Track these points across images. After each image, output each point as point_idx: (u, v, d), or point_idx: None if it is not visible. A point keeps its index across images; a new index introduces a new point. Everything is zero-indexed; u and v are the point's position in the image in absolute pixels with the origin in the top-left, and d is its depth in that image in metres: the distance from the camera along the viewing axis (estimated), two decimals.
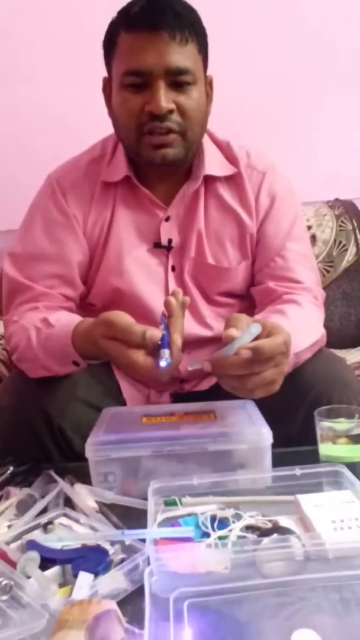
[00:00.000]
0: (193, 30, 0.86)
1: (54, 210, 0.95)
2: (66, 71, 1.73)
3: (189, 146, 0.90)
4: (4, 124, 1.81)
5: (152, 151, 0.88)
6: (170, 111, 0.85)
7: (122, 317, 0.72)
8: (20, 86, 1.79)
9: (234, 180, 0.97)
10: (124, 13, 0.87)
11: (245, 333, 0.67)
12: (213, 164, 0.96)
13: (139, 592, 0.50)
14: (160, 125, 0.85)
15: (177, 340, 0.71)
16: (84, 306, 0.99)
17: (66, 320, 0.85)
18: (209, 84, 0.93)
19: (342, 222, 1.66)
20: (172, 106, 0.85)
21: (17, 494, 0.69)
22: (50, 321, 0.86)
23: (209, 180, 0.96)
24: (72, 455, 0.84)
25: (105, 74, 0.93)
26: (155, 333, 0.69)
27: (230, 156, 0.98)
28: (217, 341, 0.99)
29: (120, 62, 0.87)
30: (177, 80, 0.85)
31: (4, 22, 1.76)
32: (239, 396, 0.73)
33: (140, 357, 0.69)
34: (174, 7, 0.84)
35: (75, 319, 0.85)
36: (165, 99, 0.84)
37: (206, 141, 0.96)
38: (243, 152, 0.99)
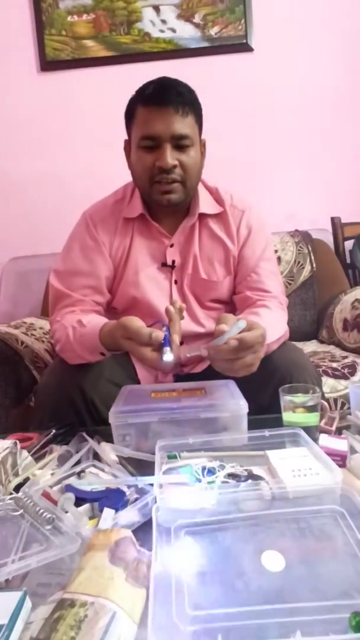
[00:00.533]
0: (192, 106, 0.87)
1: (87, 238, 0.95)
2: (97, 138, 1.76)
3: (187, 192, 0.90)
4: (50, 178, 1.83)
5: (161, 196, 0.88)
6: (174, 166, 0.86)
7: (134, 322, 0.72)
8: (64, 152, 1.83)
9: (221, 217, 0.97)
10: (140, 92, 0.88)
11: (234, 327, 0.67)
12: (205, 204, 0.96)
13: (148, 523, 0.49)
14: (167, 177, 0.86)
15: (176, 339, 0.72)
16: (109, 310, 0.99)
17: (95, 322, 0.85)
18: (203, 145, 0.93)
19: (300, 247, 1.66)
20: (176, 162, 0.86)
21: (57, 450, 0.69)
22: (83, 322, 0.85)
23: (202, 216, 0.96)
24: (100, 420, 0.84)
25: (126, 137, 0.94)
26: (159, 334, 0.69)
27: (218, 198, 0.98)
28: (208, 336, 0.99)
29: (137, 129, 0.87)
30: (180, 144, 0.86)
31: (54, 111, 1.81)
32: (227, 375, 0.73)
33: (148, 352, 0.70)
34: (177, 89, 0.85)
35: (102, 321, 0.84)
36: (170, 157, 0.85)
37: (200, 187, 0.96)
38: (228, 195, 0.99)
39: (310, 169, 1.86)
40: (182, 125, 0.85)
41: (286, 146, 1.84)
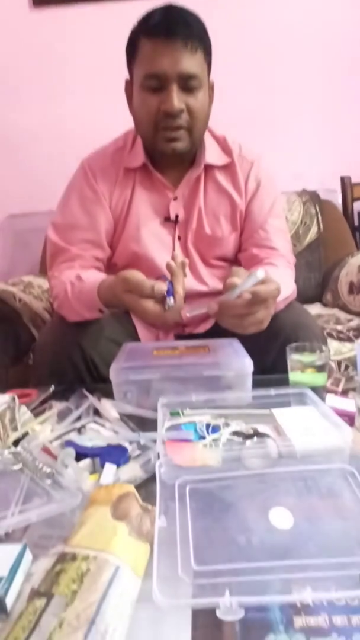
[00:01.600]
0: (202, 40, 0.78)
1: (86, 189, 0.89)
2: (96, 82, 1.63)
3: (194, 140, 0.83)
4: (47, 127, 1.72)
5: (166, 144, 0.81)
6: (181, 110, 0.78)
7: (136, 275, 0.67)
8: (61, 98, 1.70)
9: (228, 168, 0.90)
10: (144, 22, 0.78)
11: (250, 278, 0.61)
12: (212, 154, 0.89)
13: (151, 480, 0.48)
14: (173, 122, 0.79)
15: (180, 290, 0.67)
16: (109, 266, 0.95)
17: (94, 277, 0.81)
18: (211, 87, 0.85)
19: (307, 207, 1.59)
20: (183, 106, 0.78)
21: (57, 406, 0.67)
22: (82, 277, 0.81)
23: (208, 167, 0.89)
24: (100, 379, 0.82)
25: (127, 77, 0.85)
26: (161, 286, 0.65)
27: (225, 148, 0.91)
28: (212, 295, 0.95)
29: (140, 66, 0.79)
30: (187, 85, 0.78)
31: (54, 51, 1.65)
32: (236, 332, 0.69)
33: (150, 305, 0.66)
34: (186, 19, 0.76)
35: (101, 277, 0.80)
36: (177, 100, 0.77)
37: (207, 135, 0.89)
38: (236, 145, 0.92)
39: (321, 124, 1.74)
40: (191, 63, 0.76)
41: (295, 99, 1.71)
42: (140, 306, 0.67)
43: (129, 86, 0.85)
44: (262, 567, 0.37)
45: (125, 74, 0.85)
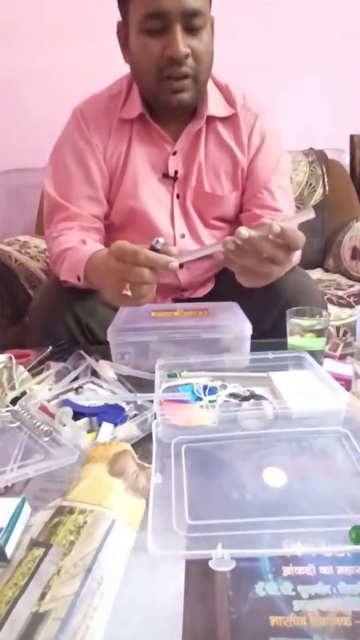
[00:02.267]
0: None
1: (79, 139, 0.85)
2: (85, 25, 1.51)
3: (199, 89, 0.78)
4: (41, 76, 1.62)
5: (171, 95, 0.76)
6: (187, 55, 0.72)
7: (130, 244, 0.59)
8: (55, 44, 1.58)
9: (231, 120, 0.85)
10: None
11: (302, 214, 0.56)
12: (215, 105, 0.84)
13: (147, 438, 0.49)
14: (179, 70, 0.73)
15: (173, 249, 0.59)
16: (106, 225, 0.92)
17: (92, 245, 0.77)
18: (212, 24, 0.78)
19: (313, 167, 1.53)
20: (189, 50, 0.72)
21: (55, 366, 0.67)
22: (86, 242, 0.78)
23: (210, 119, 0.84)
24: (97, 343, 0.81)
25: (118, 20, 0.77)
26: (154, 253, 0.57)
27: (229, 98, 0.86)
28: (210, 259, 0.93)
29: (138, 5, 0.71)
30: (191, 24, 0.71)
31: None
32: (236, 291, 0.65)
33: (145, 271, 0.57)
34: None
35: (97, 248, 0.74)
36: (182, 43, 0.70)
37: (210, 84, 0.83)
38: (240, 94, 0.86)
39: (332, 77, 1.64)
40: None
41: (305, 47, 1.60)
42: (133, 269, 0.57)
43: (122, 29, 0.77)
44: (254, 522, 0.38)
45: (118, 14, 0.77)
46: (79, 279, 0.74)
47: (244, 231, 0.55)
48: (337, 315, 1.09)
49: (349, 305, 1.10)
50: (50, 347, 0.73)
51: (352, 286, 1.20)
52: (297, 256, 0.84)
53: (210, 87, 0.84)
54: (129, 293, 0.57)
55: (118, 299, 0.61)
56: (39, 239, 1.45)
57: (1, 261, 1.17)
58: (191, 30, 0.71)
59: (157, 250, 0.57)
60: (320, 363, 0.64)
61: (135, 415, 0.53)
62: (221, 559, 0.34)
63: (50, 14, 1.57)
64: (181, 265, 0.93)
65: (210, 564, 0.34)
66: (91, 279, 0.71)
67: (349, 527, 0.36)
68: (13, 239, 1.40)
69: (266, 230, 0.54)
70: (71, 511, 0.38)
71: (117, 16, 0.78)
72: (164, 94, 0.76)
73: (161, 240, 0.58)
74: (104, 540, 0.35)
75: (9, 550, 0.36)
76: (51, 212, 0.87)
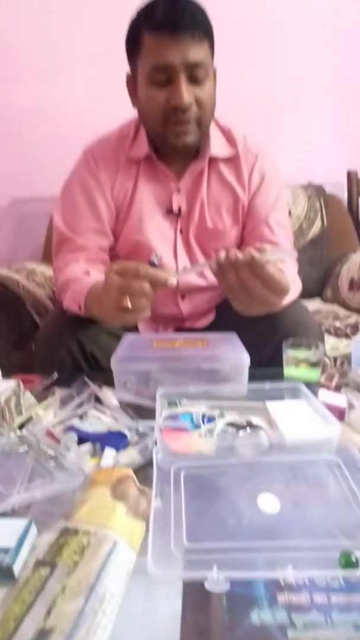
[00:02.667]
0: (207, 30, 0.78)
1: (88, 177, 0.91)
2: (100, 65, 1.62)
3: (203, 132, 0.85)
4: (50, 111, 1.72)
5: (176, 138, 0.82)
6: (191, 104, 0.79)
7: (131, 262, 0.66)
8: (64, 80, 1.69)
9: (233, 161, 0.92)
10: (145, 14, 0.77)
11: (283, 251, 0.64)
12: (217, 146, 0.90)
13: (148, 465, 0.51)
14: (183, 116, 0.79)
15: (167, 267, 0.67)
16: (112, 256, 0.97)
17: (94, 276, 0.82)
18: (214, 74, 0.85)
19: (312, 201, 1.60)
20: (192, 99, 0.79)
21: (60, 392, 0.70)
22: (90, 273, 0.83)
23: (213, 159, 0.91)
24: (100, 370, 0.84)
25: (127, 70, 0.85)
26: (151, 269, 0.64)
27: (230, 140, 0.92)
28: (211, 290, 0.98)
29: (146, 60, 0.78)
30: (195, 75, 0.78)
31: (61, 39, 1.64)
32: (235, 322, 0.71)
33: (145, 284, 0.63)
34: (191, 11, 0.76)
35: (99, 279, 0.78)
36: (187, 93, 0.77)
37: (212, 126, 0.90)
38: (241, 136, 0.93)
39: (329, 115, 1.73)
40: (198, 52, 0.76)
41: (305, 87, 1.70)
42: (133, 283, 0.63)
43: (131, 80, 0.85)
44: (249, 546, 0.40)
45: (126, 58, 0.84)
46: (80, 307, 0.78)
47: (232, 253, 0.62)
48: (334, 345, 1.12)
49: (346, 336, 1.14)
50: (56, 374, 0.76)
51: (349, 317, 1.24)
52: (297, 294, 0.88)
53: (213, 129, 0.91)
54: (129, 305, 0.62)
55: (116, 315, 0.66)
56: (46, 266, 1.50)
57: (9, 288, 1.22)
58: (194, 80, 0.78)
59: (155, 266, 0.62)
60: (316, 393, 0.67)
61: (136, 442, 0.56)
62: (216, 581, 0.36)
63: (64, 55, 1.68)
64: (183, 296, 0.98)
65: (206, 584, 0.36)
66: (90, 307, 0.76)
67: (338, 552, 0.39)
68: (20, 265, 1.45)
69: (241, 255, 0.61)
70: (76, 532, 0.40)
71: (120, 59, 0.85)
72: (169, 137, 0.83)
73: (158, 255, 0.62)
74: (107, 560, 0.38)
75: (16, 569, 0.39)
76: (59, 243, 0.92)
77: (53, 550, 0.39)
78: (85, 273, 0.84)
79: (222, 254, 0.63)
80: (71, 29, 1.65)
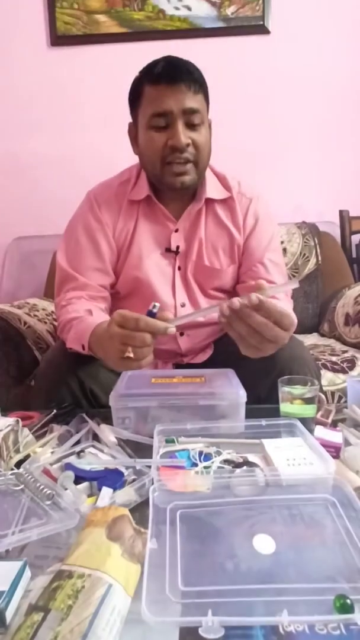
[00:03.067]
0: (202, 84, 0.86)
1: (91, 219, 0.95)
2: (105, 118, 1.74)
3: (200, 173, 0.90)
4: (57, 157, 1.82)
5: (174, 178, 0.87)
6: (187, 144, 0.85)
7: (130, 312, 0.66)
8: (71, 131, 1.81)
9: (228, 203, 0.97)
10: (147, 71, 0.86)
11: (286, 284, 0.65)
12: (213, 189, 0.95)
13: (144, 503, 0.51)
14: (180, 156, 0.85)
15: (168, 314, 0.65)
16: (113, 294, 1.00)
17: (98, 316, 0.84)
18: (210, 125, 0.92)
19: (306, 239, 1.66)
20: (189, 141, 0.85)
21: (58, 429, 0.70)
22: (92, 312, 0.86)
23: (209, 202, 0.95)
24: (99, 407, 0.85)
25: (129, 121, 0.92)
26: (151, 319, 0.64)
27: (225, 185, 0.97)
28: (209, 327, 1.00)
29: (146, 108, 0.85)
30: (191, 121, 0.85)
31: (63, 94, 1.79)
32: (234, 361, 0.71)
33: (146, 336, 0.63)
34: (187, 67, 0.85)
35: (102, 319, 0.80)
36: (183, 134, 0.84)
37: (208, 172, 0.95)
38: (235, 182, 0.98)
39: (321, 159, 1.84)
40: (194, 101, 0.84)
41: (297, 134, 1.82)
42: (134, 334, 0.63)
43: (132, 129, 0.92)
44: (244, 589, 0.40)
45: (125, 112, 0.92)
46: (83, 347, 0.80)
47: (235, 301, 0.62)
48: (331, 380, 1.13)
49: (343, 371, 1.15)
50: (55, 411, 0.76)
51: (345, 352, 1.25)
52: (293, 329, 0.90)
53: (209, 174, 0.96)
54: (132, 355, 0.63)
55: (120, 363, 0.66)
56: (47, 302, 1.54)
57: (11, 324, 1.24)
58: (191, 126, 0.85)
59: (154, 314, 0.64)
60: (312, 429, 0.67)
61: (133, 480, 0.56)
62: (210, 627, 0.36)
63: (71, 106, 1.80)
64: (182, 333, 1.00)
65: (200, 631, 0.36)
66: (94, 348, 0.77)
67: (334, 596, 0.38)
68: (23, 301, 1.48)
69: (246, 300, 0.61)
70: (70, 575, 0.40)
71: (124, 112, 0.93)
72: (167, 177, 0.87)
73: (157, 305, 0.65)
74: (100, 605, 0.37)
75: (8, 614, 0.38)
76: (62, 281, 0.95)
77: (47, 594, 0.39)
78: (87, 312, 0.86)
79: (225, 307, 0.62)
80: (83, 87, 1.80)
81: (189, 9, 1.74)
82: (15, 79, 1.80)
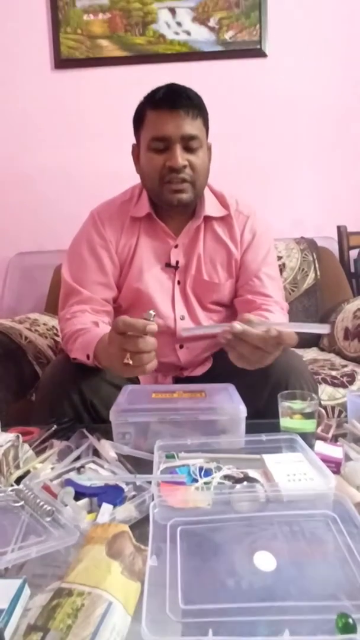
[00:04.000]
0: (200, 110, 0.89)
1: (95, 235, 0.97)
2: (107, 137, 1.78)
3: (197, 192, 0.92)
4: (59, 175, 1.86)
5: (171, 195, 0.90)
6: (184, 166, 0.88)
7: (128, 318, 0.68)
8: (74, 149, 1.85)
9: (226, 220, 0.99)
10: (149, 97, 0.90)
11: (315, 326, 0.72)
12: (211, 207, 0.98)
13: (145, 520, 0.51)
14: (177, 176, 0.88)
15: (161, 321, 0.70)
16: (115, 308, 1.01)
17: (104, 328, 0.85)
18: (209, 148, 0.95)
19: (305, 254, 1.67)
20: (186, 162, 0.88)
21: (58, 445, 0.70)
22: (98, 324, 0.88)
23: (207, 219, 0.98)
24: (100, 420, 0.85)
25: (133, 142, 0.96)
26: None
27: (223, 203, 1.00)
28: (208, 340, 1.01)
29: (147, 131, 0.89)
30: (189, 145, 0.88)
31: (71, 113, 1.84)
32: (227, 377, 0.74)
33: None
34: (187, 93, 0.88)
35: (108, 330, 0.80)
36: (180, 157, 0.87)
37: (206, 190, 0.98)
38: (233, 200, 1.01)
39: (318, 177, 1.88)
40: (192, 126, 0.87)
41: (295, 153, 1.86)
42: (133, 339, 0.65)
43: (135, 150, 0.96)
44: (246, 608, 0.40)
45: (131, 131, 0.95)
46: (88, 357, 0.81)
47: (238, 327, 0.66)
48: (331, 395, 1.13)
49: (343, 385, 1.15)
50: (55, 426, 0.76)
51: (345, 366, 1.25)
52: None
53: (207, 193, 0.99)
54: (130, 362, 0.65)
55: (123, 369, 0.68)
56: (48, 317, 1.54)
57: (12, 338, 1.24)
58: (188, 149, 0.88)
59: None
60: (312, 444, 0.67)
61: (134, 496, 0.56)
62: None
63: (74, 125, 1.85)
64: (181, 346, 1.01)
65: None
66: (100, 357, 0.79)
67: (336, 614, 0.38)
68: (24, 316, 1.49)
69: (264, 331, 0.66)
70: (70, 593, 0.40)
71: (125, 131, 0.96)
72: (165, 194, 0.90)
73: (152, 312, 0.66)
74: (100, 624, 0.37)
75: (8, 634, 0.38)
76: (66, 295, 0.97)
77: (46, 612, 0.39)
78: (94, 324, 0.88)
79: (239, 327, 0.66)
80: (85, 107, 1.85)
81: (188, 33, 1.79)
82: (20, 98, 1.84)
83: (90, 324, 0.87)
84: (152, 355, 0.67)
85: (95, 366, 0.82)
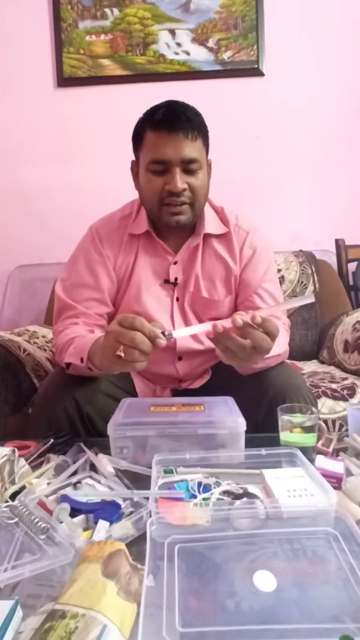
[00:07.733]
0: (200, 130, 0.88)
1: (92, 252, 0.97)
2: (107, 153, 1.81)
3: (196, 213, 0.92)
4: (60, 190, 1.88)
5: (170, 217, 0.89)
6: (184, 189, 0.87)
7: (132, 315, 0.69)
8: (75, 165, 1.88)
9: (225, 237, 0.98)
10: (149, 116, 0.88)
11: (302, 298, 0.72)
12: (211, 224, 0.97)
13: (142, 537, 0.50)
14: (177, 199, 0.87)
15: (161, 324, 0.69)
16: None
17: (99, 334, 0.85)
18: (209, 165, 0.95)
19: (303, 267, 1.68)
20: (185, 186, 0.87)
21: (55, 459, 0.69)
22: (94, 331, 0.87)
23: (207, 236, 0.97)
24: (97, 433, 0.84)
25: (132, 158, 0.95)
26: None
27: (223, 218, 0.99)
28: (207, 352, 1.00)
29: (146, 152, 0.88)
30: (189, 168, 0.87)
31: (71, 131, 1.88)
32: (226, 387, 0.75)
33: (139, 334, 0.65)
34: (186, 114, 0.86)
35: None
36: (180, 181, 0.86)
37: (206, 207, 0.97)
38: (233, 215, 1.00)
39: (316, 191, 1.90)
40: (192, 149, 0.86)
41: (293, 168, 1.88)
42: (130, 333, 0.65)
43: (134, 166, 0.95)
44: (245, 630, 0.38)
45: (131, 148, 0.95)
46: (82, 360, 0.79)
47: (239, 319, 0.67)
48: (332, 408, 1.11)
49: (343, 399, 1.14)
50: (52, 440, 0.75)
51: (345, 379, 1.24)
52: (283, 350, 0.90)
53: (207, 209, 0.98)
54: (122, 354, 0.65)
55: (113, 360, 0.67)
56: (47, 329, 1.54)
57: (10, 351, 1.23)
58: (188, 171, 0.87)
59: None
60: (313, 458, 0.66)
61: (131, 512, 0.54)
62: None
63: (76, 141, 1.88)
64: (180, 358, 1.00)
65: None
66: (93, 357, 0.77)
67: (338, 636, 0.36)
68: (23, 329, 1.49)
69: (249, 318, 0.67)
70: (63, 615, 0.38)
71: (125, 148, 0.96)
72: (164, 216, 0.90)
73: (172, 332, 0.68)
74: None
75: None
76: (59, 311, 0.96)
77: (38, 636, 0.37)
78: (89, 331, 0.87)
79: (220, 327, 0.68)
80: (87, 124, 1.88)
81: (187, 53, 1.83)
82: (22, 115, 1.88)
83: (85, 332, 0.87)
84: (144, 356, 0.66)
85: (88, 371, 0.81)
